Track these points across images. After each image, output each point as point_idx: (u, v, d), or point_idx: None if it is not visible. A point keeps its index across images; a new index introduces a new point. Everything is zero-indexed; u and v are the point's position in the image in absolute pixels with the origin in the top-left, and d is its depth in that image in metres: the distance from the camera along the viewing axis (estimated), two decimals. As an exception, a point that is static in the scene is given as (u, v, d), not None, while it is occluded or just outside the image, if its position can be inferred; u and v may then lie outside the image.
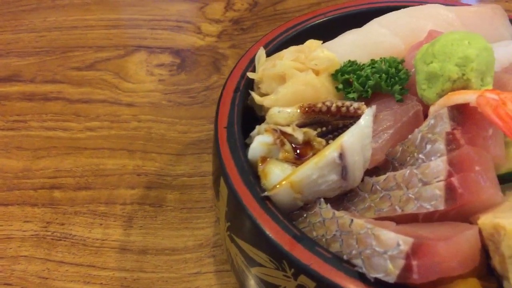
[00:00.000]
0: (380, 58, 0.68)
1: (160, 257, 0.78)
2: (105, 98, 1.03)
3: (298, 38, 0.75)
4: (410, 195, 0.53)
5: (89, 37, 1.17)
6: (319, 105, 0.58)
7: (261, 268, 0.57)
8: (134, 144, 0.94)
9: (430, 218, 0.53)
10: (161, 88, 1.05)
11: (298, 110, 0.58)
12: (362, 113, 0.57)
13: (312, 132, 0.57)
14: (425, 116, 0.61)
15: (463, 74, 0.56)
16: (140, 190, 0.87)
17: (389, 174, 0.56)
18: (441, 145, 0.55)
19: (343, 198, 0.60)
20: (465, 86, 0.57)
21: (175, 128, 0.97)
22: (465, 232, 0.49)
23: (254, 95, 0.66)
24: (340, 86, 0.66)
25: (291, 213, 0.59)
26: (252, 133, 0.62)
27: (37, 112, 1.00)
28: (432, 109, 0.59)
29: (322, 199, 0.56)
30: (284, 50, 0.69)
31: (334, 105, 0.58)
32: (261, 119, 0.67)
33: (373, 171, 0.61)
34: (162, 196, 0.86)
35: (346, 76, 0.66)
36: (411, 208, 0.53)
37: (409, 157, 0.58)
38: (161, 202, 0.85)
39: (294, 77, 0.64)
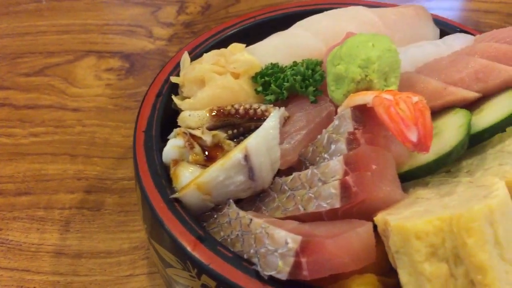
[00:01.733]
0: (302, 60, 0.69)
1: (95, 260, 0.78)
2: (51, 104, 1.03)
3: (227, 42, 0.76)
4: (311, 194, 0.54)
5: (40, 42, 1.18)
6: (228, 107, 0.59)
7: (172, 269, 0.58)
8: (77, 148, 0.95)
9: (334, 216, 0.54)
10: (108, 93, 1.06)
11: (208, 114, 0.59)
12: (270, 115, 0.58)
13: (221, 135, 0.59)
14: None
15: (366, 75, 0.58)
16: (80, 195, 0.87)
17: (295, 174, 0.57)
18: (342, 145, 0.56)
19: (256, 199, 0.61)
20: (369, 87, 0.58)
21: (119, 132, 0.98)
22: (356, 229, 0.50)
23: (174, 98, 0.67)
24: (259, 88, 0.67)
25: (203, 214, 0.60)
26: (169, 136, 0.63)
27: (-18, 118, 1.00)
28: (339, 110, 0.60)
29: (231, 200, 0.57)
30: (205, 54, 0.70)
31: (242, 107, 0.59)
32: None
33: (288, 171, 0.62)
34: (101, 200, 0.87)
35: (266, 78, 0.67)
36: (311, 207, 0.54)
37: (318, 157, 0.60)
38: (100, 206, 0.86)
39: (212, 81, 0.66)
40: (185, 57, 0.71)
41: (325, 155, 0.58)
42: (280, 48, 0.72)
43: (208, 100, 0.65)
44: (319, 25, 0.73)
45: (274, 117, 0.57)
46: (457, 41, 0.71)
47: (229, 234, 0.56)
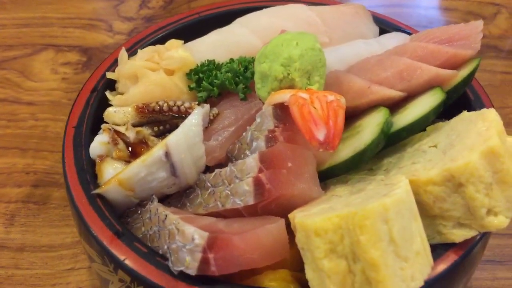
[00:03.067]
0: (238, 57, 0.70)
1: (37, 254, 0.79)
2: (5, 97, 1.03)
3: (168, 38, 0.76)
4: (227, 191, 0.55)
5: (-1, 36, 1.18)
6: (152, 104, 0.60)
7: (95, 263, 0.58)
8: (27, 142, 0.95)
9: (253, 212, 0.55)
10: (64, 87, 1.06)
11: (133, 110, 0.60)
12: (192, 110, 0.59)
13: (145, 131, 0.59)
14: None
15: (288, 74, 0.59)
16: (27, 189, 0.88)
17: (217, 170, 0.58)
18: (262, 143, 0.57)
19: (182, 195, 0.62)
20: (291, 85, 0.59)
21: (71, 126, 0.98)
22: (266, 226, 0.51)
23: (108, 94, 0.68)
24: (193, 85, 0.68)
25: (129, 210, 0.60)
26: (99, 132, 0.64)
27: None
28: (263, 108, 0.61)
29: (153, 196, 0.58)
30: (140, 50, 0.70)
31: (165, 104, 0.60)
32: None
33: (218, 167, 0.63)
34: (48, 194, 0.87)
35: (200, 75, 0.68)
36: (228, 204, 0.55)
37: (243, 154, 0.60)
38: (46, 200, 0.86)
39: (145, 77, 0.66)
40: (123, 53, 0.71)
41: (248, 152, 0.59)
42: (218, 45, 0.73)
43: (140, 96, 0.65)
44: (258, 22, 0.74)
45: (196, 114, 0.57)
46: (391, 41, 0.72)
47: (148, 230, 0.56)
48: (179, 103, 0.60)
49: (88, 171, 0.60)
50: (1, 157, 0.92)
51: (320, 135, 0.51)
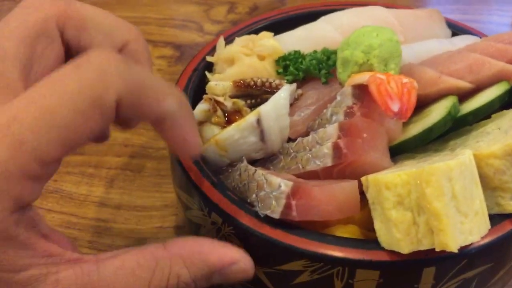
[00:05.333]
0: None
1: (132, 212, 0.91)
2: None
3: (260, 31, 0.87)
4: (309, 155, 0.64)
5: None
6: (248, 80, 0.70)
7: (190, 210, 0.69)
8: (126, 121, 1.08)
9: (329, 175, 0.64)
10: (159, 76, 1.20)
11: (231, 84, 0.70)
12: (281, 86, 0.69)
13: (240, 103, 0.69)
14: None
15: (367, 60, 0.67)
16: (125, 158, 1.01)
17: (299, 139, 0.67)
18: (341, 117, 0.66)
19: (267, 161, 0.71)
20: (370, 70, 0.68)
21: (164, 110, 1.11)
22: (341, 183, 0.59)
23: (207, 74, 0.79)
24: (280, 70, 0.78)
25: (220, 169, 0.70)
26: (201, 102, 0.75)
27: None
28: (344, 88, 0.69)
29: (244, 158, 0.68)
30: (237, 38, 0.81)
31: (259, 80, 0.69)
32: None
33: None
34: (143, 164, 1.00)
35: (287, 62, 0.78)
36: (309, 166, 0.64)
37: (323, 128, 0.69)
38: (141, 169, 0.99)
39: (240, 61, 0.77)
40: (221, 40, 0.83)
41: (328, 126, 0.67)
42: (303, 38, 0.82)
43: (235, 76, 0.76)
44: (340, 20, 0.83)
45: (285, 89, 0.67)
46: (463, 41, 0.79)
47: (238, 184, 0.66)
48: (270, 80, 0.70)
49: (189, 133, 0.71)
50: (104, 131, 1.06)
51: (395, 107, 0.59)
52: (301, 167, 0.64)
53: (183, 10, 1.41)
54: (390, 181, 0.53)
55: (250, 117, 0.66)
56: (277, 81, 0.70)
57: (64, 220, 0.90)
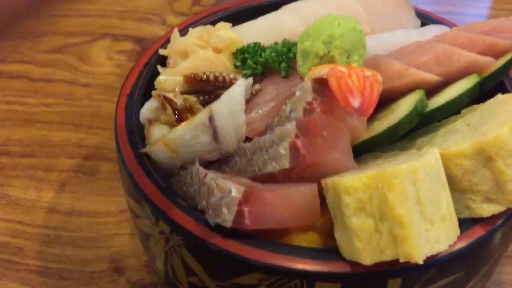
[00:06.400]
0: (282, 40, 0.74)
1: (84, 219, 0.85)
2: (64, 79, 1.11)
3: (216, 23, 0.81)
4: (265, 156, 0.58)
5: (62, 24, 1.26)
6: (200, 74, 0.64)
7: (138, 219, 0.63)
8: (82, 119, 1.02)
9: (288, 179, 0.58)
10: (118, 72, 1.13)
11: (182, 79, 0.65)
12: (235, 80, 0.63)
13: (192, 99, 0.64)
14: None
15: (329, 51, 0.62)
16: (78, 160, 0.94)
17: (256, 138, 0.61)
18: (300, 113, 0.60)
19: (222, 162, 0.66)
20: (331, 63, 0.62)
21: (122, 107, 1.04)
22: (299, 187, 0.54)
23: (159, 68, 0.73)
24: (238, 63, 0.72)
25: (172, 172, 0.65)
26: (150, 99, 0.69)
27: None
28: (304, 82, 0.64)
29: (196, 159, 0.62)
30: (191, 29, 0.75)
31: (212, 74, 0.64)
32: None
33: (256, 140, 0.67)
34: (97, 166, 0.93)
35: (245, 55, 0.72)
36: (265, 168, 0.58)
37: (279, 127, 0.64)
38: (95, 172, 0.92)
39: (194, 53, 0.71)
40: (175, 32, 0.76)
41: (286, 124, 0.62)
42: (264, 29, 0.77)
43: (189, 70, 0.70)
44: (303, 10, 0.78)
45: (240, 84, 0.61)
46: (431, 32, 0.74)
47: (189, 189, 0.60)
48: (224, 74, 0.65)
49: (137, 133, 0.65)
50: (57, 131, 0.99)
51: (355, 102, 0.54)
52: (257, 169, 0.59)
53: (146, 2, 1.34)
54: (350, 186, 0.48)
55: (202, 115, 0.60)
56: (232, 75, 0.64)
57: (10, 229, 0.83)
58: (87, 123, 1.01)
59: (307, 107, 0.60)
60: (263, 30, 0.77)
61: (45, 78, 1.11)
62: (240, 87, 0.61)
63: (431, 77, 0.63)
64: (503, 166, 0.50)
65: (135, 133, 0.65)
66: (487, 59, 0.63)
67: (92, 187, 0.89)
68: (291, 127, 0.57)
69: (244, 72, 0.71)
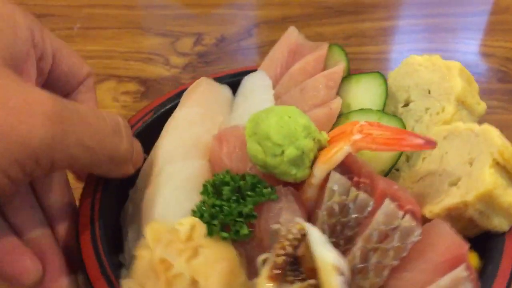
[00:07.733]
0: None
1: None
2: (71, 121, 1.14)
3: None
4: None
5: (67, 65, 1.30)
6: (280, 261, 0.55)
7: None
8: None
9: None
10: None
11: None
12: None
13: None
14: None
15: (313, 139, 0.63)
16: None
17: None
18: (364, 195, 0.58)
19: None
20: (320, 145, 0.64)
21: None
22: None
23: None
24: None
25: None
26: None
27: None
28: (314, 182, 0.62)
29: None
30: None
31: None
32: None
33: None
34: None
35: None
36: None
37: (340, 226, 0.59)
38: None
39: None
40: None
41: (353, 215, 0.58)
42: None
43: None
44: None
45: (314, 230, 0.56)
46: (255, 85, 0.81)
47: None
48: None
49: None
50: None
51: (416, 140, 0.57)
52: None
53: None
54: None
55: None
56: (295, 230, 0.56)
57: None
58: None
59: (359, 186, 0.58)
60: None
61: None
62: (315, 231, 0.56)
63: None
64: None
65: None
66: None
67: None
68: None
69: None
